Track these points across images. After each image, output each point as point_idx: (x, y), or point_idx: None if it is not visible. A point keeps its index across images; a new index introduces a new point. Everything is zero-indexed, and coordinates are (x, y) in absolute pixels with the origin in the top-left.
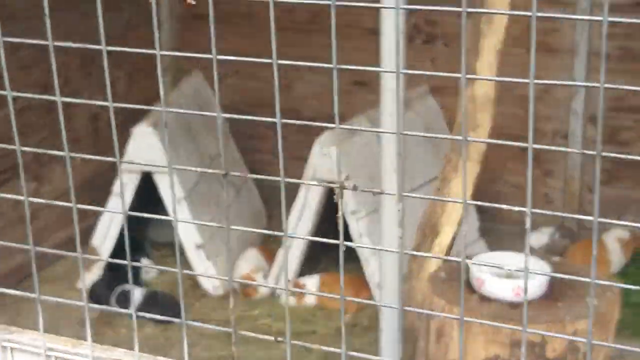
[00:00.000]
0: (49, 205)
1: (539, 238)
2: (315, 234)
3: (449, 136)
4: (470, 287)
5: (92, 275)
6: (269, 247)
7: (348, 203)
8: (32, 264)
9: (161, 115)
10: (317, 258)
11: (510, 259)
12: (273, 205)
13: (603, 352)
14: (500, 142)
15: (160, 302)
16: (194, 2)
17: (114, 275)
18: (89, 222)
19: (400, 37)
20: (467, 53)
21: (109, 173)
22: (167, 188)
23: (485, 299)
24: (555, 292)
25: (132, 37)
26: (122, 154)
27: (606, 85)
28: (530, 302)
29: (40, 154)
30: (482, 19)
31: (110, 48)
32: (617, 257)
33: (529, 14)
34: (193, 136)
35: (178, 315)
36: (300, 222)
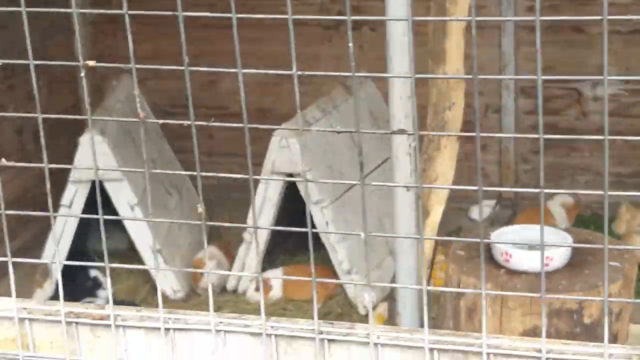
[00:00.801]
0: None
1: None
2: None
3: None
4: (494, 263)
5: (44, 292)
6: (225, 244)
7: (311, 193)
8: None
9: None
10: (275, 252)
11: (529, 231)
12: (212, 205)
13: (629, 310)
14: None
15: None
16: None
17: (71, 289)
18: (25, 238)
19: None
20: (435, 33)
21: (40, 187)
22: (119, 195)
23: (512, 272)
24: (575, 260)
25: (50, 46)
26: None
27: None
28: (558, 271)
29: None
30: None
31: (37, 62)
32: (562, 223)
33: None
34: (132, 140)
35: None
36: (260, 216)
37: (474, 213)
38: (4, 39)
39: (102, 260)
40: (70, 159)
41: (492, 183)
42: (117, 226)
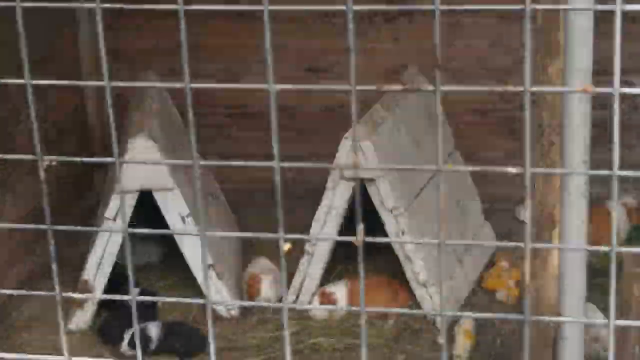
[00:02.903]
0: (6, 238)
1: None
2: (341, 236)
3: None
4: None
5: (85, 314)
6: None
7: (386, 199)
8: None
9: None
10: (333, 261)
11: None
12: (239, 211)
13: None
14: None
15: (182, 335)
16: None
17: (126, 311)
18: (44, 253)
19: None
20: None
21: (54, 197)
22: (170, 206)
23: None
24: None
25: (57, 40)
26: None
27: None
28: None
29: None
30: None
31: None
32: (622, 224)
33: None
34: (172, 143)
35: (202, 345)
36: (325, 226)
37: (524, 214)
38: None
39: (136, 277)
40: (79, 163)
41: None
42: (149, 239)
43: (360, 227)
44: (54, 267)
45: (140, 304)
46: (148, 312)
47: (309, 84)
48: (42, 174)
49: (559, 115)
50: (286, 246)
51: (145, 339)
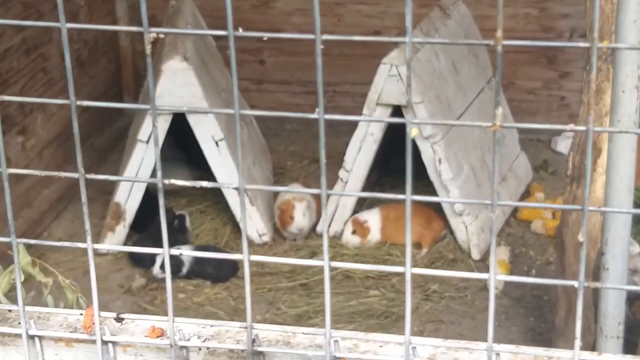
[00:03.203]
0: (36, 159)
1: (566, 144)
2: (376, 164)
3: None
4: None
5: (117, 236)
6: (312, 182)
7: (423, 126)
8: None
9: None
10: (366, 189)
11: None
12: (269, 137)
13: None
14: None
15: (213, 260)
16: None
17: (158, 235)
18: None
19: None
20: None
21: (84, 118)
22: (204, 129)
23: None
24: None
25: None
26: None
27: None
28: None
29: (23, 103)
30: None
31: None
32: None
33: None
34: (206, 66)
35: (234, 270)
36: (360, 152)
37: (560, 145)
38: None
39: (167, 201)
40: (112, 85)
41: (573, 113)
42: (181, 161)
43: None
44: (157, 154)
45: (172, 228)
46: (180, 236)
47: (344, 9)
48: (147, 48)
49: (608, 39)
50: (414, 132)
51: (177, 263)
